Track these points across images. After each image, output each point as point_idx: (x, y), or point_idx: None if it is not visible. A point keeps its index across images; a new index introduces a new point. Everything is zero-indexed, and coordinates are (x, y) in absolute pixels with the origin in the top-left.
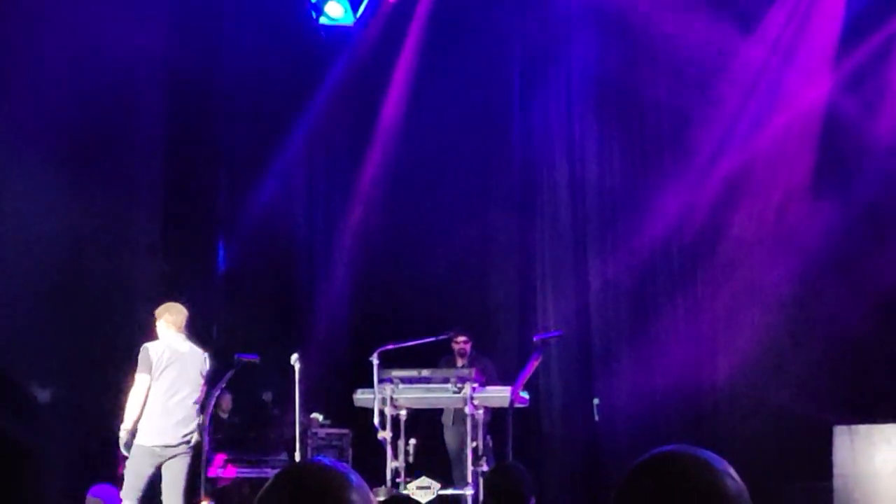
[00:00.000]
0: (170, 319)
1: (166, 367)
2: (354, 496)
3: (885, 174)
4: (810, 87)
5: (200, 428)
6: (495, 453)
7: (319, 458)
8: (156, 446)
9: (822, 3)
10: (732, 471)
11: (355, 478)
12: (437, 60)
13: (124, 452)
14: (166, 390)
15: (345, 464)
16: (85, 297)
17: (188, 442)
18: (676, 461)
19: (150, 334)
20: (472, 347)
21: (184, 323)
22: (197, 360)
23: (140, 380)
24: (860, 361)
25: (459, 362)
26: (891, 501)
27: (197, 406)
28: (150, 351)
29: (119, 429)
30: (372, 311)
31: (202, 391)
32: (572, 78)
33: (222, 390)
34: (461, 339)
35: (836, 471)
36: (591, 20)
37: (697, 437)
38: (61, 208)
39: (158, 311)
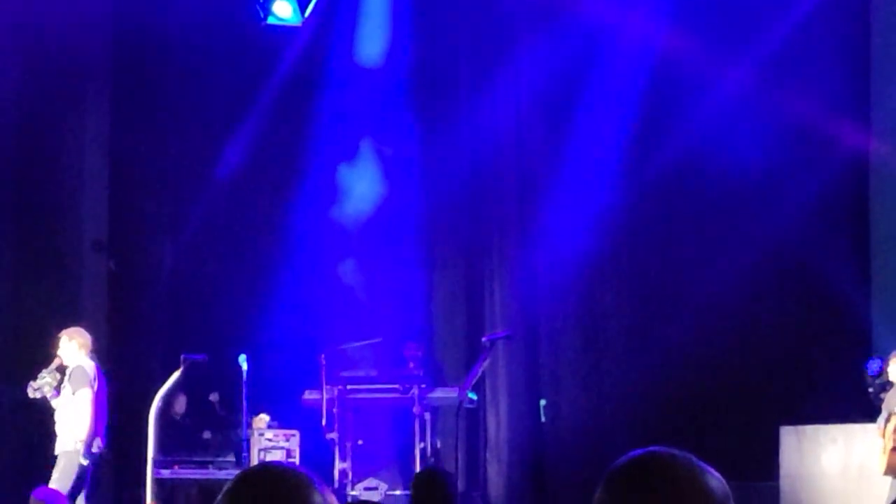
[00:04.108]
0: (83, 342)
1: (93, 382)
2: (318, 499)
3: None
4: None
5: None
6: (442, 454)
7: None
8: (91, 453)
9: None
10: (714, 471)
11: (317, 480)
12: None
13: (83, 462)
14: (94, 403)
15: (302, 466)
16: (30, 295)
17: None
18: (664, 463)
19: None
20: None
21: (91, 347)
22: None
23: (86, 394)
24: (805, 362)
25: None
26: (837, 501)
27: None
28: (87, 368)
29: (76, 441)
30: (319, 311)
31: None
32: (520, 76)
33: (176, 392)
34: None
35: (782, 471)
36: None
37: (645, 438)
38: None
39: (71, 334)
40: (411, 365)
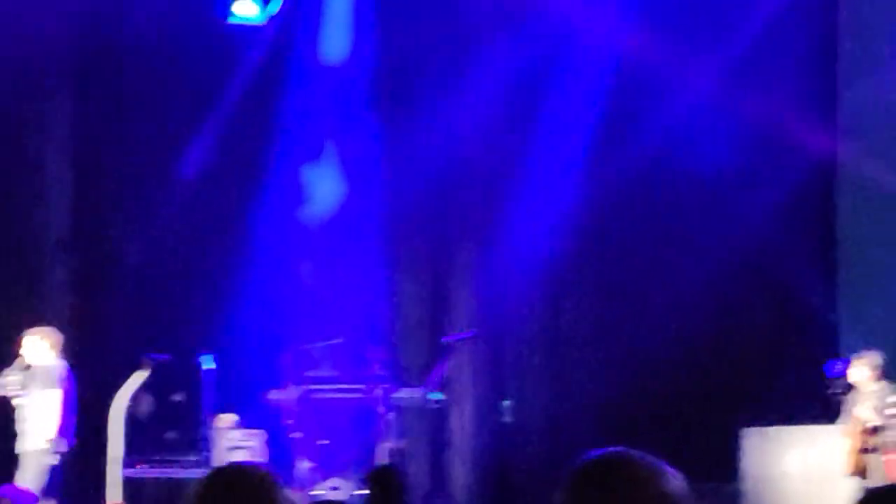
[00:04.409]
0: (54, 342)
1: (64, 382)
2: (283, 498)
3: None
4: None
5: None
6: (406, 454)
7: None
8: (58, 453)
9: None
10: (673, 471)
11: (283, 479)
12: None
13: (53, 460)
14: (64, 403)
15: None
16: None
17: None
18: (623, 464)
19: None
20: None
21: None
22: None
23: (56, 394)
24: (770, 364)
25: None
26: (799, 502)
27: None
28: (58, 368)
29: (46, 440)
30: (283, 311)
31: None
32: (485, 77)
33: (140, 392)
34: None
35: (745, 473)
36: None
37: (608, 438)
38: None
39: (43, 333)
40: (375, 365)
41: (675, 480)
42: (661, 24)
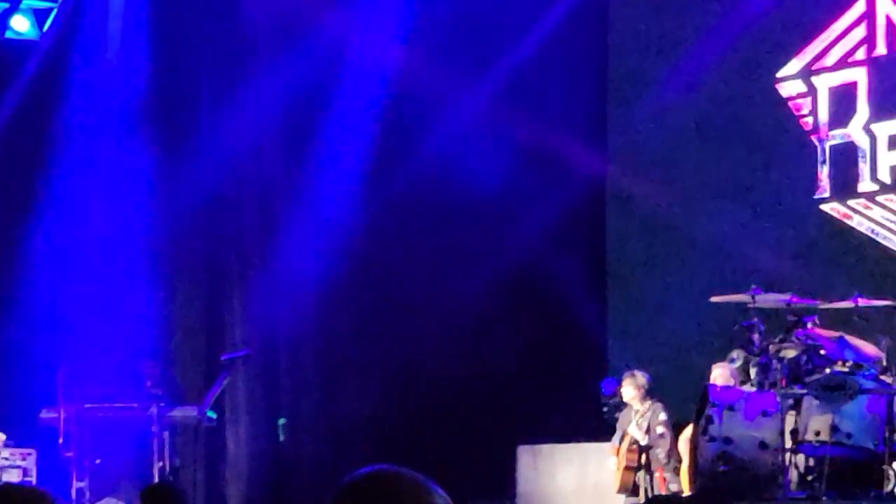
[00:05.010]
0: None
1: None
2: None
3: None
4: None
5: None
6: (181, 473)
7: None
8: None
9: None
10: (439, 489)
11: (56, 499)
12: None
13: None
14: None
15: (40, 486)
16: None
17: None
18: (388, 480)
19: None
20: None
21: None
22: None
23: None
24: (542, 382)
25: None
26: None
27: None
28: None
29: None
30: (57, 328)
31: None
32: (261, 95)
33: None
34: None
35: (519, 489)
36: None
37: (383, 457)
38: None
39: None
40: (149, 383)
41: (441, 498)
42: (436, 44)
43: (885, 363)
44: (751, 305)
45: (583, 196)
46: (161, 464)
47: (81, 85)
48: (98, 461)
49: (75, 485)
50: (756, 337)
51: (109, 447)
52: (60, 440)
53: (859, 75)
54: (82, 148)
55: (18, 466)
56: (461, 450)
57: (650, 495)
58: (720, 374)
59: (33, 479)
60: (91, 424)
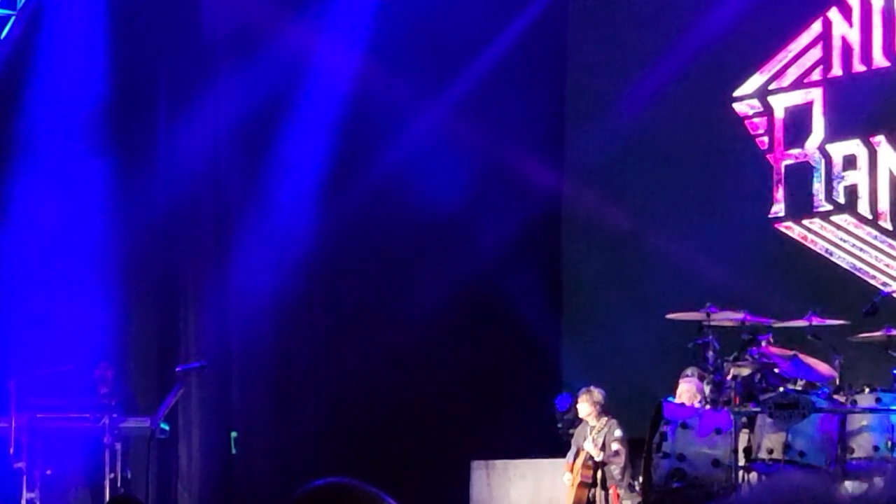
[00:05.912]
0: None
1: None
2: None
3: None
4: None
5: None
6: (132, 485)
7: None
8: None
9: None
10: (392, 501)
11: None
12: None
13: None
14: None
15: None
16: None
17: None
18: (341, 493)
19: None
20: None
21: None
22: None
23: None
24: (497, 398)
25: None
26: None
27: None
28: None
29: None
30: (9, 337)
31: None
32: (219, 106)
33: None
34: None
35: None
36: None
37: (337, 471)
38: None
39: None
40: (102, 393)
41: None
42: (394, 59)
43: (838, 382)
44: (706, 323)
45: (539, 212)
46: (113, 475)
47: (38, 93)
48: (49, 472)
49: (26, 495)
50: (710, 354)
51: (61, 458)
52: (11, 450)
53: (815, 95)
54: (37, 156)
55: None
56: (415, 464)
57: None
58: (686, 390)
59: None
60: (42, 435)
